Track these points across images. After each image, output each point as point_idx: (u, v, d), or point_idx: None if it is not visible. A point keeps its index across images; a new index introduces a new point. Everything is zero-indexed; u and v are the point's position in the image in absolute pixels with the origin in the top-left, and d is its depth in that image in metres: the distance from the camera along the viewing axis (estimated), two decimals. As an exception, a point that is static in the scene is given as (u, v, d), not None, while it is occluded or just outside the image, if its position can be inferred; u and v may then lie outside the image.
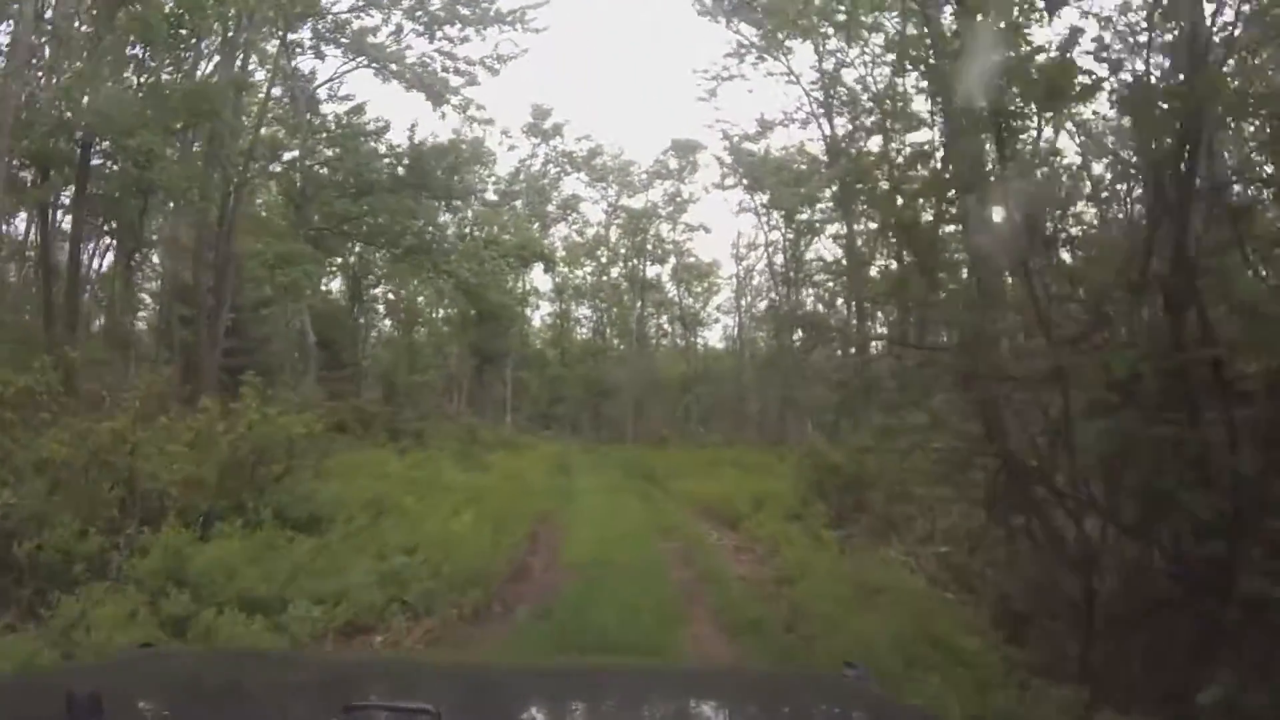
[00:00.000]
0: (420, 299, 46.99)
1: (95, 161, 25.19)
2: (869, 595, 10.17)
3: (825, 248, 42.71)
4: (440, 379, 49.64)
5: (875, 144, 33.22)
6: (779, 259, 41.65)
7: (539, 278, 51.16)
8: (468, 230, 32.64)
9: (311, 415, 13.99)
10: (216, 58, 25.72)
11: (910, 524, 14.07)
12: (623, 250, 50.51)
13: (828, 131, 31.99)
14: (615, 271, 52.78)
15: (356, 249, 33.41)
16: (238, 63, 26.02)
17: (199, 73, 26.15)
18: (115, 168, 25.04)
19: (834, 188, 34.00)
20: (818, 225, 36.80)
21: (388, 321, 52.81)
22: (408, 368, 52.06)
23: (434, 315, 48.37)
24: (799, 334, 41.98)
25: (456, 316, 43.13)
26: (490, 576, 11.18)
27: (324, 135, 27.26)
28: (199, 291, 27.71)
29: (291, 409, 16.50)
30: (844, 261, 39.51)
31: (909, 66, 23.10)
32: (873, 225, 37.06)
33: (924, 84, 31.25)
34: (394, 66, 25.45)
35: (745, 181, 36.52)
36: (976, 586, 10.46)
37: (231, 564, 8.45)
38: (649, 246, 48.33)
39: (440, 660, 4.64)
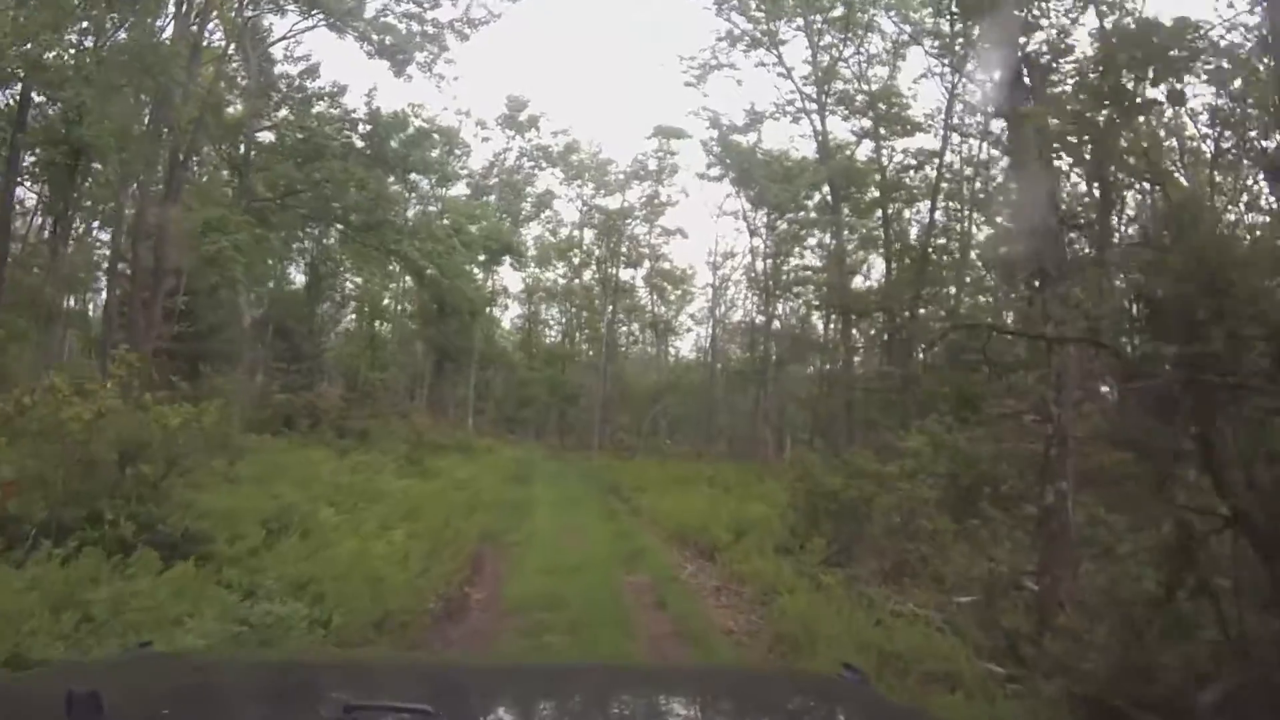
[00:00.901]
0: (386, 293, 44.19)
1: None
2: (899, 669, 7.58)
3: (806, 259, 40.60)
4: (406, 377, 47.17)
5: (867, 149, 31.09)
6: (759, 265, 39.13)
7: (509, 277, 48.55)
8: (433, 211, 29.26)
9: (208, 405, 11.13)
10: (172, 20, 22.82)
11: (925, 565, 11.56)
12: (596, 251, 47.72)
13: (819, 128, 29.47)
14: (588, 275, 50.13)
15: (312, 230, 30.36)
16: (194, 24, 23.14)
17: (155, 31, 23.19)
18: (43, 123, 22.17)
19: (824, 190, 31.65)
20: (802, 232, 34.26)
21: (354, 316, 50.44)
22: (369, 363, 49.36)
23: (397, 309, 45.49)
24: (774, 347, 39.74)
25: (419, 311, 40.06)
26: (411, 619, 8.53)
27: (275, 96, 24.27)
28: (137, 269, 24.87)
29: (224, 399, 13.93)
30: (825, 273, 37.26)
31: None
32: (851, 235, 35.08)
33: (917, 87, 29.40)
34: (355, 24, 22.63)
35: (732, 174, 33.62)
36: (1031, 659, 7.93)
37: (10, 605, 5.71)
38: (623, 249, 45.56)
39: (440, 660, 4.31)
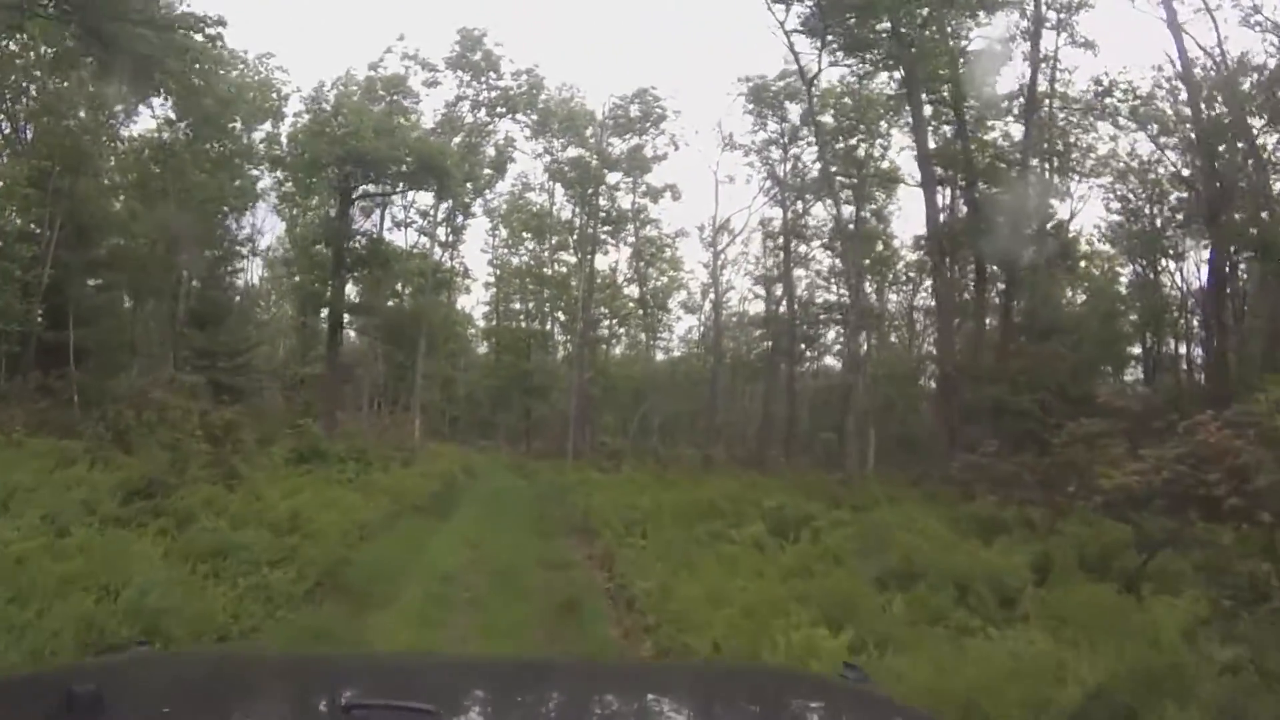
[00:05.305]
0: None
1: None
2: None
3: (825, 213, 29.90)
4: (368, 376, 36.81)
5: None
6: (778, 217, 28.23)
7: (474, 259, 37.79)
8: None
9: None
10: None
11: None
12: (567, 215, 36.87)
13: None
14: (568, 258, 39.20)
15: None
16: None
17: None
18: None
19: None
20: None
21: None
22: (299, 357, 38.41)
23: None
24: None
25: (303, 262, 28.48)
26: None
27: None
28: None
29: None
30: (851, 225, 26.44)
31: None
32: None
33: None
34: None
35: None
36: None
37: None
38: (600, 201, 34.42)
39: (440, 659, 3.60)
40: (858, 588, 6.60)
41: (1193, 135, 19.20)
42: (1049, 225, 22.52)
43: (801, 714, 2.15)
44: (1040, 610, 7.11)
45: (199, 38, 15.46)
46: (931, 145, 21.31)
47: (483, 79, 33.88)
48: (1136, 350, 28.07)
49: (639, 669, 3.26)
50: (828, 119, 26.09)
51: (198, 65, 16.82)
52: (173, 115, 21.90)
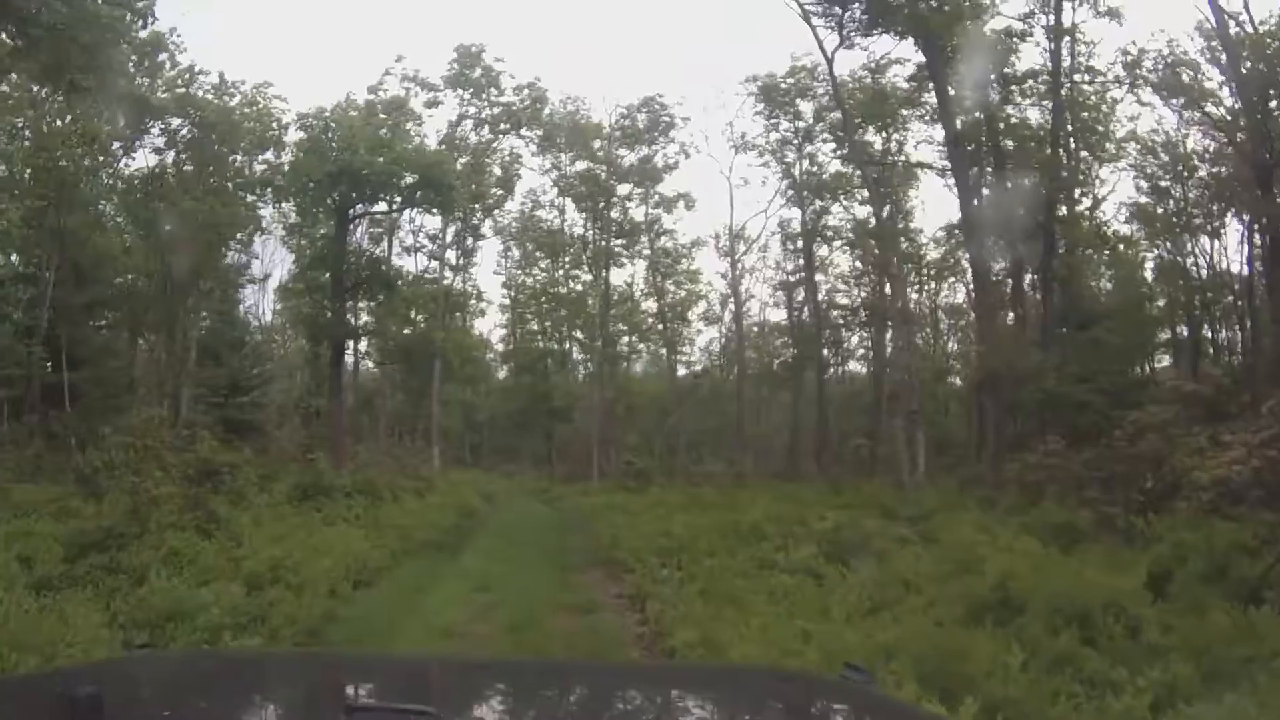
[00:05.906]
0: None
1: None
2: None
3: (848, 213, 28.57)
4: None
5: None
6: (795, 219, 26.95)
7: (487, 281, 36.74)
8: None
9: None
10: None
11: None
12: (579, 230, 35.64)
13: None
14: (584, 276, 37.91)
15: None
16: None
17: None
18: None
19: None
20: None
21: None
22: (306, 387, 37.49)
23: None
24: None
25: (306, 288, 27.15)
26: None
27: None
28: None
29: None
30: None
31: None
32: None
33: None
34: None
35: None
36: None
37: None
38: (612, 214, 33.20)
39: (441, 660, 3.53)
40: (952, 629, 5.27)
41: (1235, 102, 17.78)
42: (1080, 208, 21.20)
43: (806, 715, 2.09)
44: (1168, 638, 5.76)
45: (127, 15, 14.35)
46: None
47: (484, 95, 32.89)
48: (1165, 335, 26.82)
49: (642, 670, 3.24)
50: (840, 116, 24.95)
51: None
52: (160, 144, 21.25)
